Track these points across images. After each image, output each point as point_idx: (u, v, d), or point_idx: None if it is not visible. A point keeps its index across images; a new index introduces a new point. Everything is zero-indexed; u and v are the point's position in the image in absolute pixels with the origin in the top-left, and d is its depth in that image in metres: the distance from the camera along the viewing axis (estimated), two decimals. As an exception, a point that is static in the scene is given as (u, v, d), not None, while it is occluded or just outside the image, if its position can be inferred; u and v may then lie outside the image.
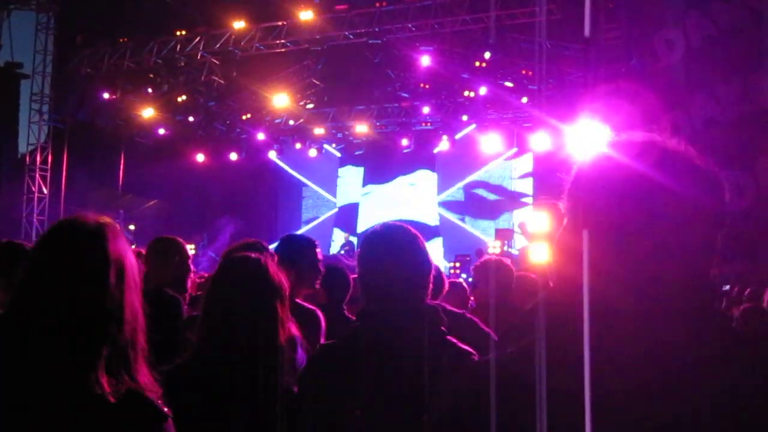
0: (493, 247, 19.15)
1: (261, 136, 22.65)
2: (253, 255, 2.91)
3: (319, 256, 4.46)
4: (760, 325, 5.21)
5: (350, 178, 25.65)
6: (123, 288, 1.89)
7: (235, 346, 2.67)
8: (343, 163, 25.72)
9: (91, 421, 1.78)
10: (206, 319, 2.80)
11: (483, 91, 18.51)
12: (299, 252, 4.33)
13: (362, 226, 24.56)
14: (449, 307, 4.47)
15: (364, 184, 25.28)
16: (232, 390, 2.62)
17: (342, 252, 21.18)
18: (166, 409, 1.88)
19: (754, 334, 1.45)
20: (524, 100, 18.59)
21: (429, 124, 21.95)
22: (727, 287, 9.87)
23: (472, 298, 6.48)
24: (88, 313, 1.83)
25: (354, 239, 22.41)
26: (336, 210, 25.78)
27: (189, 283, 4.65)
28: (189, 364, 2.78)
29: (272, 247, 4.50)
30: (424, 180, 24.30)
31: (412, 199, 24.33)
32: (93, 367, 1.80)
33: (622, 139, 1.54)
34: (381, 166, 24.26)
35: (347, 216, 25.34)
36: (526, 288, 6.37)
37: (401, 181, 24.49)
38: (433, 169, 24.24)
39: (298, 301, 4.08)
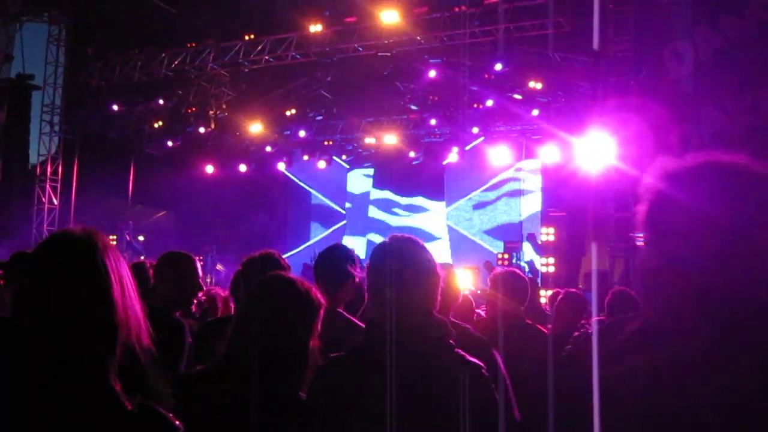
0: (501, 259, 19.13)
1: (270, 148, 22.73)
2: (290, 276, 2.91)
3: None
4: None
5: (358, 182, 25.71)
6: (124, 296, 1.91)
7: (259, 364, 2.68)
8: (352, 175, 25.82)
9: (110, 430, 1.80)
10: (236, 335, 2.79)
11: (491, 103, 18.53)
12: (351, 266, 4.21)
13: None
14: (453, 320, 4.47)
15: (374, 184, 25.33)
16: (247, 402, 2.63)
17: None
18: (177, 422, 1.90)
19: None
20: (535, 112, 18.60)
21: (438, 136, 21.99)
22: None
23: (478, 311, 6.46)
24: (95, 323, 1.85)
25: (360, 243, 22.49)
26: (344, 222, 25.83)
27: (195, 302, 4.59)
28: (211, 372, 2.78)
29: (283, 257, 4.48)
30: (433, 204, 24.34)
31: (421, 207, 24.39)
32: (105, 375, 1.83)
33: (681, 164, 1.55)
34: (390, 172, 24.27)
35: (356, 213, 25.48)
36: (576, 305, 6.33)
37: (410, 194, 24.55)
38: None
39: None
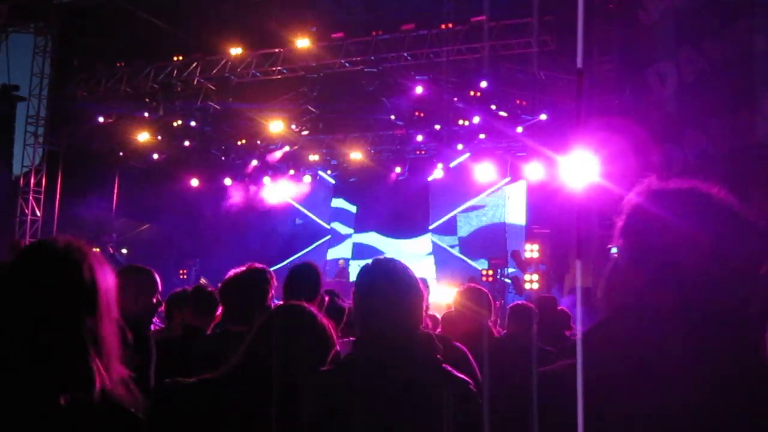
0: (486, 275, 19.18)
1: (255, 162, 22.74)
2: (305, 305, 2.96)
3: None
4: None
5: (343, 199, 25.72)
6: (96, 312, 1.88)
7: (266, 378, 2.72)
8: (336, 194, 25.79)
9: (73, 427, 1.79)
10: (250, 356, 2.82)
11: (477, 120, 18.63)
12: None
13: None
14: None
15: (359, 201, 25.29)
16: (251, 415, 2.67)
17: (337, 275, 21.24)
18: (140, 415, 1.90)
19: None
20: (519, 129, 18.71)
21: (423, 152, 22.08)
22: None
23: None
24: (60, 338, 1.81)
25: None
26: (328, 237, 25.82)
27: (153, 315, 4.57)
28: (219, 380, 2.81)
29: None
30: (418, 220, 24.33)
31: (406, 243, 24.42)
32: (65, 386, 1.80)
33: (667, 185, 1.62)
34: (375, 188, 24.15)
35: (340, 230, 25.49)
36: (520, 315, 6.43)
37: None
38: (426, 213, 24.28)
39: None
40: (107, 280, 1.95)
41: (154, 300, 4.45)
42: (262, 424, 2.62)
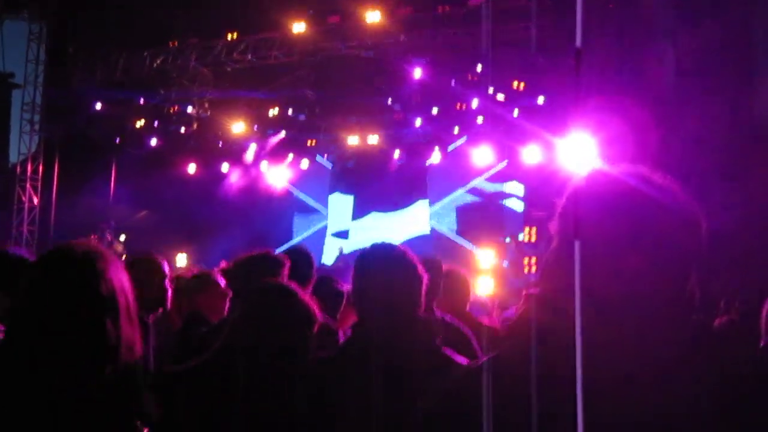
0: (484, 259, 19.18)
1: (253, 147, 22.69)
2: (288, 285, 2.96)
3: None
4: (734, 335, 5.28)
5: (341, 182, 25.66)
6: (117, 317, 1.93)
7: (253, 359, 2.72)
8: (332, 188, 25.71)
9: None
10: (233, 335, 2.82)
11: (475, 103, 18.58)
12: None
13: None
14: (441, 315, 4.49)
15: (357, 185, 25.23)
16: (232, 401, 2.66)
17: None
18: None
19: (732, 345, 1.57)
20: (515, 113, 18.65)
21: (421, 136, 22.03)
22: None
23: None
24: (83, 346, 1.87)
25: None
26: (327, 222, 25.80)
27: (168, 303, 4.55)
28: (202, 366, 2.81)
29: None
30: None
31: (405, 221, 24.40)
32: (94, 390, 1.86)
33: (611, 169, 1.61)
34: (373, 173, 24.09)
35: (339, 214, 25.48)
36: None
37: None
38: (424, 197, 24.25)
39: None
40: (123, 281, 2.01)
41: (165, 286, 4.44)
42: (246, 406, 2.62)
